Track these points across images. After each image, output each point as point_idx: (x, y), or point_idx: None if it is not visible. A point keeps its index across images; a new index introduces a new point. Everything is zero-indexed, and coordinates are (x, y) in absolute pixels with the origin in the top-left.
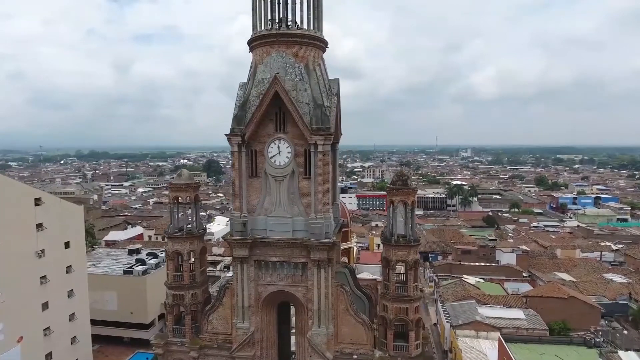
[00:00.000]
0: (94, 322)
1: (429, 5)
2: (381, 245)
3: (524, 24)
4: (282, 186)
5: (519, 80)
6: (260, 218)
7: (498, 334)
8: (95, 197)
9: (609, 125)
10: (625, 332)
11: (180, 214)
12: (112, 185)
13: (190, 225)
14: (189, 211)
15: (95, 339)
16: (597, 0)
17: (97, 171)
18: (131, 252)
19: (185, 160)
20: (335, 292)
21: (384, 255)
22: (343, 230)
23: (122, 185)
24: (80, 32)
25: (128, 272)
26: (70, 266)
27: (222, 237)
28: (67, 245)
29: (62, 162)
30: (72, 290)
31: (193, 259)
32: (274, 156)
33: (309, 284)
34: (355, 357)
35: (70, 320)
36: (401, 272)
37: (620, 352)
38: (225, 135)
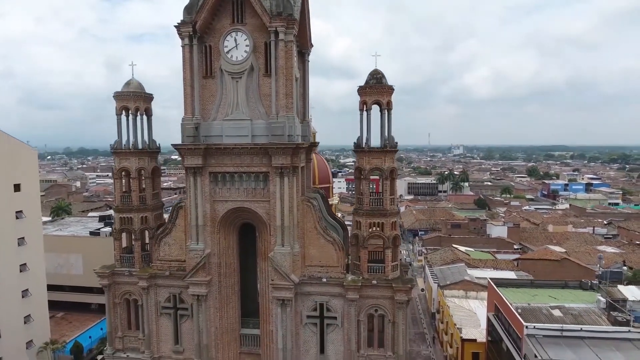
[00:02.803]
0: (58, 288)
1: (422, 5)
2: None
3: (518, 24)
4: (240, 85)
5: (512, 80)
6: (215, 123)
7: (488, 283)
8: (79, 184)
9: (601, 125)
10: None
11: (129, 129)
12: (97, 175)
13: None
14: (140, 125)
15: (61, 305)
16: (590, 1)
17: (84, 165)
18: (102, 219)
19: (177, 157)
20: (302, 207)
21: (357, 165)
22: (324, 186)
23: (108, 175)
24: (72, 32)
25: (95, 233)
26: (21, 211)
27: (172, 144)
28: (17, 188)
29: (49, 157)
30: (23, 238)
31: (144, 179)
32: (230, 50)
33: (271, 197)
34: (324, 280)
35: (20, 271)
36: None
37: (620, 287)
38: (175, 26)
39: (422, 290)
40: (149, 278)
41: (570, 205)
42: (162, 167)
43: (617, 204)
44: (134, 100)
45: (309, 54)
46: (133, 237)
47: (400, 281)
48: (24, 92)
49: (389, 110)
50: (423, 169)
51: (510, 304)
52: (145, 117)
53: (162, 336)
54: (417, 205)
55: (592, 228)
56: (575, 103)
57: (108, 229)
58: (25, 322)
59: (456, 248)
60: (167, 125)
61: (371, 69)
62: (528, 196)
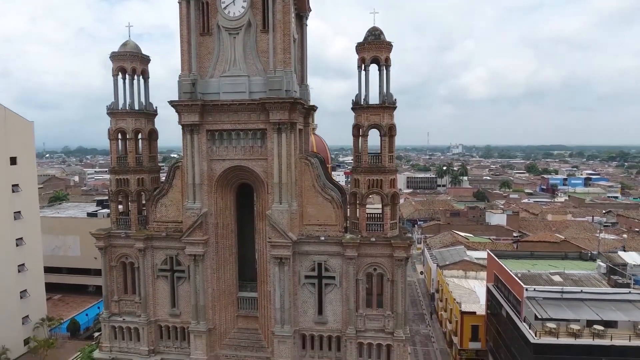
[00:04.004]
0: (55, 271)
1: (419, 5)
2: None
3: (514, 25)
4: (237, 41)
5: (509, 80)
6: (212, 81)
7: (487, 255)
8: (77, 178)
9: (597, 125)
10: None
11: (126, 90)
12: (95, 171)
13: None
14: (136, 87)
15: (58, 288)
16: (585, 1)
17: (83, 162)
18: (100, 203)
19: (176, 155)
20: (300, 165)
21: (355, 123)
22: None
23: (106, 171)
24: (69, 31)
25: (92, 214)
26: (17, 185)
27: (168, 100)
28: (13, 161)
29: (47, 155)
30: (19, 212)
31: (140, 141)
32: (227, 6)
33: (269, 154)
34: (322, 238)
35: (17, 245)
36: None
37: (620, 252)
38: None
39: (422, 273)
40: (145, 240)
41: (569, 196)
42: (160, 164)
43: (616, 197)
44: (131, 61)
45: (307, 18)
46: (129, 198)
47: (399, 238)
48: (21, 91)
49: (388, 67)
50: (422, 166)
51: (510, 271)
52: (142, 80)
53: (158, 299)
54: (416, 198)
55: (591, 217)
56: (571, 103)
57: (106, 210)
58: (21, 297)
59: (456, 233)
60: (164, 124)
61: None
62: (527, 190)
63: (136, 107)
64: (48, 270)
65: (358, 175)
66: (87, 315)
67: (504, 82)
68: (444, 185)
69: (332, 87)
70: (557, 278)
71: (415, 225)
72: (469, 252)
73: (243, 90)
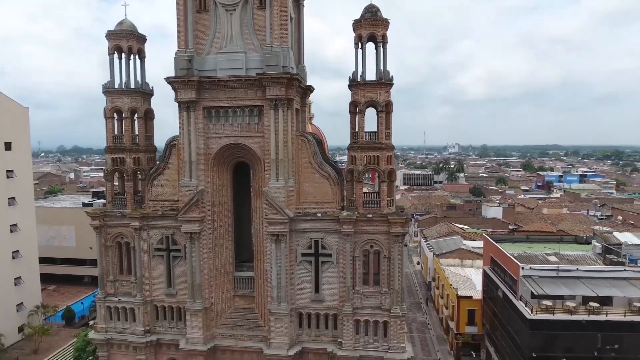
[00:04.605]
0: (50, 261)
1: (417, 5)
2: None
3: (512, 25)
4: (234, 17)
5: (506, 81)
6: (209, 58)
7: (483, 238)
8: (72, 175)
9: (593, 125)
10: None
11: (122, 69)
12: (91, 169)
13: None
14: (132, 66)
15: (52, 279)
16: (581, 2)
17: (78, 161)
18: (96, 195)
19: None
20: (296, 142)
21: (352, 100)
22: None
23: (102, 169)
24: (66, 31)
25: (88, 204)
26: (12, 170)
27: (165, 77)
28: (7, 146)
29: (42, 154)
30: (14, 198)
31: (137, 121)
32: None
33: (266, 131)
34: (319, 215)
35: (11, 232)
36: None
37: (615, 233)
38: None
39: (418, 263)
40: (141, 218)
41: (564, 191)
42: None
43: (611, 193)
44: (127, 39)
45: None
46: (125, 177)
47: (395, 215)
48: (17, 91)
49: (384, 44)
50: (419, 164)
51: (506, 252)
52: (138, 60)
53: (154, 279)
54: (412, 194)
55: (586, 211)
56: (568, 103)
57: (102, 200)
58: (15, 284)
59: (452, 224)
60: (161, 123)
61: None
62: (523, 187)
63: (132, 86)
64: (43, 261)
65: (355, 152)
66: (82, 303)
67: (501, 82)
68: (440, 182)
69: (330, 87)
70: (553, 258)
71: (412, 219)
72: (465, 242)
73: (240, 66)
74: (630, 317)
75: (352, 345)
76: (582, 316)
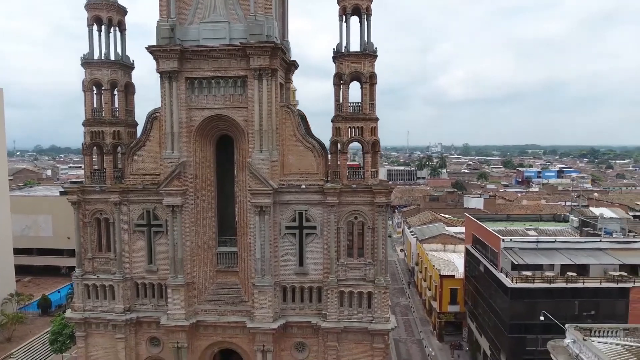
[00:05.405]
0: (26, 252)
1: (401, 6)
2: None
3: (496, 27)
4: None
5: (488, 82)
6: (191, 27)
7: (465, 217)
8: (50, 172)
9: (571, 126)
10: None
11: (101, 41)
12: (69, 166)
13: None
14: (112, 38)
15: (28, 270)
16: (561, 5)
17: (56, 160)
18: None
19: None
20: (281, 113)
21: (337, 72)
22: None
23: (80, 167)
24: (46, 29)
25: (65, 193)
26: None
27: (146, 46)
28: None
29: (17, 153)
30: None
31: (117, 94)
32: None
33: (250, 102)
34: (303, 187)
35: None
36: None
37: (592, 208)
38: None
39: (402, 250)
40: (121, 193)
41: (542, 184)
42: None
43: (586, 187)
44: (107, 10)
45: None
46: (105, 151)
47: (379, 185)
48: None
49: (368, 16)
50: (402, 162)
51: (488, 227)
52: (118, 33)
53: (134, 256)
54: (396, 188)
55: (563, 202)
56: (548, 104)
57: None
58: None
59: (435, 213)
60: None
61: None
62: (503, 182)
63: (112, 58)
64: (18, 252)
65: (339, 124)
66: (59, 292)
67: (483, 83)
68: (423, 178)
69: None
70: (532, 233)
71: (395, 211)
72: (447, 228)
73: (223, 36)
74: (606, 284)
75: (337, 317)
76: (561, 284)
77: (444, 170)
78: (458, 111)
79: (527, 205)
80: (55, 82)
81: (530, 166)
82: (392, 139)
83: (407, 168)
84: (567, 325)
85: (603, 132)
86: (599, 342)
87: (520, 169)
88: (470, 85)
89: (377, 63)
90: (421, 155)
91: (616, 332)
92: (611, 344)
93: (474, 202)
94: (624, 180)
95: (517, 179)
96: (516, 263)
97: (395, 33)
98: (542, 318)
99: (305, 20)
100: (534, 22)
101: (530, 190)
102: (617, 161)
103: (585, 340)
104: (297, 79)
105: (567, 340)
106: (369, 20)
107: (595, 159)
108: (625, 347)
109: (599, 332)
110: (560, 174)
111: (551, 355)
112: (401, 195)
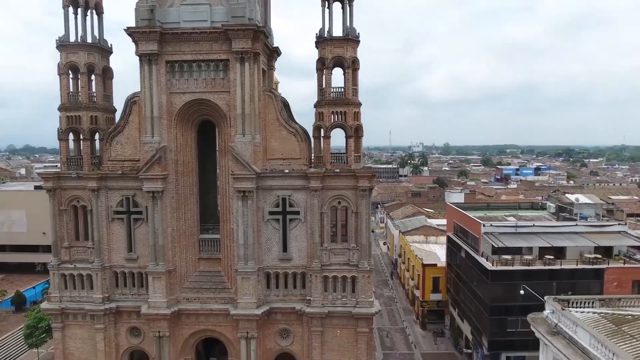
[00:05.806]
0: None
1: (383, 8)
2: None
3: (475, 30)
4: None
5: (468, 83)
6: (172, 10)
7: (447, 206)
8: (24, 171)
9: (547, 127)
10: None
11: (77, 25)
12: (44, 166)
13: None
14: (89, 20)
15: (2, 268)
16: (536, 10)
17: (30, 159)
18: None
19: None
20: (263, 98)
21: (319, 57)
22: None
23: (56, 166)
24: (17, 25)
25: (39, 187)
26: None
27: (124, 28)
28: None
29: None
30: None
31: (94, 78)
32: None
33: (232, 86)
34: (286, 171)
35: None
36: None
37: (568, 195)
38: None
39: (385, 243)
40: (99, 179)
41: (520, 181)
42: None
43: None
44: None
45: None
46: (81, 136)
47: (363, 169)
48: None
49: (351, 1)
50: (384, 161)
51: (469, 214)
52: (95, 16)
53: (113, 244)
54: (378, 185)
55: (540, 197)
56: (525, 106)
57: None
58: None
59: (417, 207)
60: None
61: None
62: (483, 180)
63: (89, 41)
64: None
65: (322, 109)
66: (34, 288)
67: (463, 85)
68: (405, 175)
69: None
70: (511, 219)
71: (378, 207)
72: (429, 220)
73: (204, 18)
74: (582, 266)
75: (321, 302)
76: (539, 266)
77: (426, 168)
78: (439, 111)
79: (506, 200)
80: (27, 81)
81: (509, 164)
82: (375, 139)
83: (390, 166)
84: (545, 297)
85: (577, 133)
86: (576, 312)
87: (499, 167)
88: (450, 86)
89: (360, 60)
90: (403, 155)
91: (592, 302)
92: (588, 312)
93: (455, 197)
94: (597, 177)
95: (496, 177)
96: (496, 247)
97: (376, 35)
98: (522, 292)
99: (288, 21)
100: (510, 26)
101: (509, 187)
102: (591, 160)
103: (563, 309)
104: (281, 78)
105: (546, 312)
106: (351, 6)
107: (570, 158)
108: (602, 314)
109: (577, 303)
110: (537, 171)
111: (531, 326)
112: (384, 192)
